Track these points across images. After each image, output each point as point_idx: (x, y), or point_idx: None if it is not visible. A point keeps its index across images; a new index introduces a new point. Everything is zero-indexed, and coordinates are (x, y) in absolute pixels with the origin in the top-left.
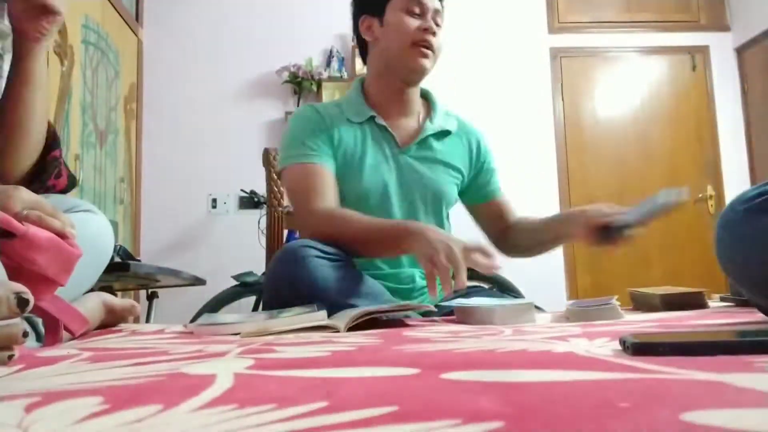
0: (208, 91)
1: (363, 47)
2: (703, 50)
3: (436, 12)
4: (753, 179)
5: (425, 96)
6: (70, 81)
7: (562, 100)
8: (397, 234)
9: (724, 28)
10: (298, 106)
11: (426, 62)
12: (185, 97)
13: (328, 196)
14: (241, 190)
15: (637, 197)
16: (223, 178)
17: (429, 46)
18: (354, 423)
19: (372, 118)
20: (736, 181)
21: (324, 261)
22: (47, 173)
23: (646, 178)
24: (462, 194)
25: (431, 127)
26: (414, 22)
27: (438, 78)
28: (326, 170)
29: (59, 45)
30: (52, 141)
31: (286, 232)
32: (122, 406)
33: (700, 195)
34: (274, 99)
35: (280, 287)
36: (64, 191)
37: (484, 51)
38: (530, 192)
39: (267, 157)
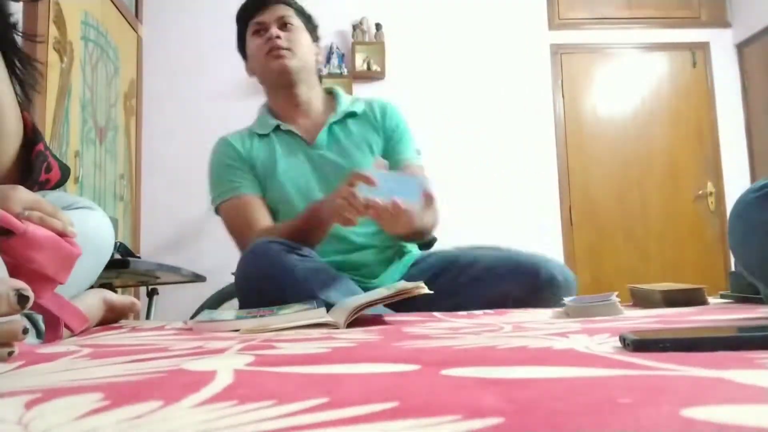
0: (208, 87)
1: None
2: (704, 47)
3: (279, 18)
4: (753, 176)
5: (330, 93)
6: (69, 78)
7: (562, 96)
8: (311, 217)
9: (725, 24)
10: None
11: (283, 61)
12: (185, 94)
13: (260, 222)
14: None
15: (636, 193)
16: None
17: (278, 48)
18: (354, 419)
19: (278, 126)
20: (736, 178)
21: (294, 255)
22: (36, 170)
23: (646, 175)
24: None
25: (333, 116)
26: (258, 40)
27: (437, 75)
28: (252, 197)
29: (59, 41)
30: (33, 135)
31: None
32: (122, 403)
33: (700, 192)
34: None
35: (256, 285)
36: (60, 183)
37: (484, 47)
38: (530, 189)
39: None
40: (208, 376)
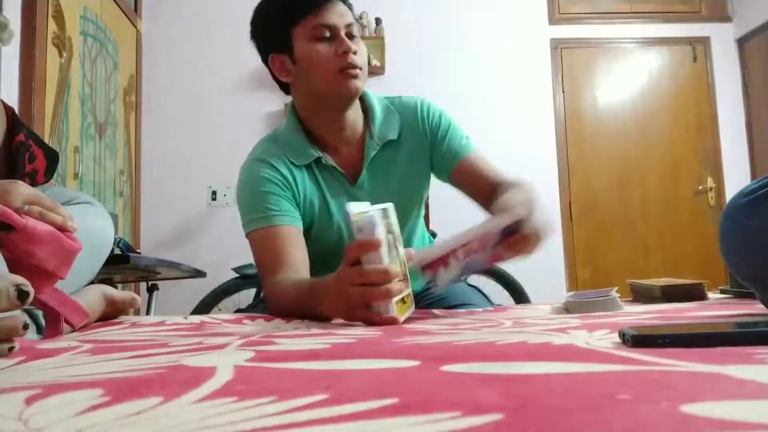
0: (208, 83)
1: (281, 82)
2: (704, 41)
3: (349, 26)
4: (753, 171)
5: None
6: (68, 73)
7: (563, 91)
8: (309, 304)
9: (726, 18)
10: None
11: (358, 83)
12: (185, 89)
13: (293, 258)
14: None
15: (637, 188)
16: (223, 170)
17: (354, 67)
18: (354, 415)
19: (319, 159)
20: (736, 173)
21: None
22: (20, 161)
23: (646, 170)
24: (436, 172)
25: (372, 145)
26: (328, 49)
27: (438, 70)
28: (289, 229)
29: (57, 36)
30: (12, 126)
31: None
32: (122, 399)
33: (700, 187)
34: (272, 90)
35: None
36: (51, 169)
37: (484, 42)
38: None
39: None
40: (208, 372)
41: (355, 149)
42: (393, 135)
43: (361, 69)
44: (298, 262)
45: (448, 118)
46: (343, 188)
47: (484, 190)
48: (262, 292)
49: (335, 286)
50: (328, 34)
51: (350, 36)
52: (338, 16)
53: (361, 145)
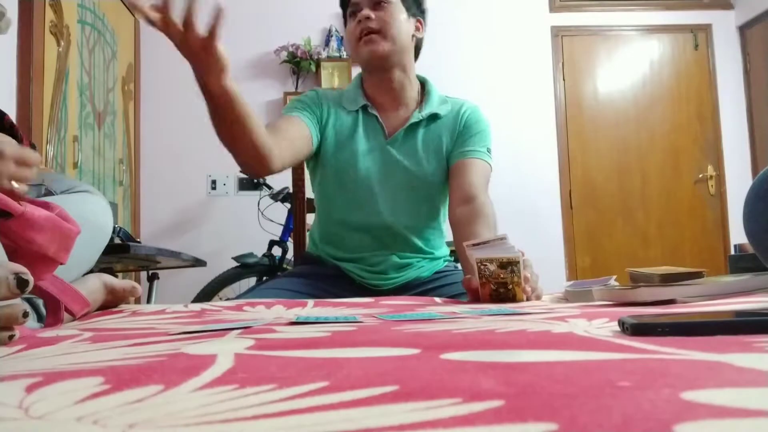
0: None
1: None
2: (706, 28)
3: (372, 0)
4: (754, 159)
5: (423, 84)
6: (66, 61)
7: (563, 79)
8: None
9: (727, 5)
10: (296, 86)
11: (374, 46)
12: (183, 78)
13: (279, 131)
14: (241, 172)
15: (637, 176)
16: (223, 159)
17: (368, 32)
18: (355, 402)
19: (365, 107)
20: (737, 162)
21: None
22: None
23: (647, 158)
24: (447, 164)
25: (418, 116)
26: (352, 24)
27: (438, 57)
28: (297, 120)
29: (55, 25)
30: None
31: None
32: (123, 387)
33: (701, 175)
34: (272, 79)
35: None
36: None
37: (485, 30)
38: (530, 172)
39: None
40: (208, 360)
41: (401, 114)
42: (442, 111)
43: (379, 32)
44: (281, 129)
45: (484, 126)
46: (377, 139)
47: (456, 196)
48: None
49: None
50: (355, 9)
51: (378, 4)
52: None
53: (408, 114)
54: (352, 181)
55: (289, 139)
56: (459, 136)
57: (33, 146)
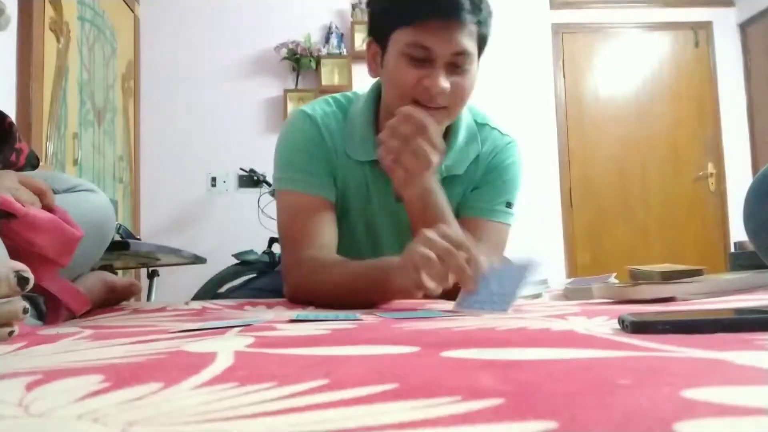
0: (207, 69)
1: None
2: (706, 26)
3: (458, 55)
4: (754, 157)
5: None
6: (66, 58)
7: (564, 76)
8: (382, 270)
9: (728, 3)
10: (296, 83)
11: (439, 119)
12: (183, 75)
13: (322, 240)
14: (241, 169)
15: (637, 174)
16: (223, 156)
17: (436, 108)
18: (355, 400)
19: (375, 162)
20: (737, 159)
21: None
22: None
23: (647, 156)
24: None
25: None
26: (413, 74)
27: None
28: (325, 205)
29: (55, 21)
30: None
31: None
32: (123, 384)
33: (701, 173)
34: (272, 76)
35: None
36: (28, 163)
37: None
38: (530, 169)
39: None
40: (208, 358)
41: None
42: (460, 170)
43: (445, 108)
44: (331, 244)
45: (511, 174)
46: (387, 198)
47: None
48: (283, 265)
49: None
50: (421, 56)
51: (454, 66)
52: (445, 43)
53: None
54: (357, 241)
55: (335, 237)
56: (480, 176)
57: (33, 153)
